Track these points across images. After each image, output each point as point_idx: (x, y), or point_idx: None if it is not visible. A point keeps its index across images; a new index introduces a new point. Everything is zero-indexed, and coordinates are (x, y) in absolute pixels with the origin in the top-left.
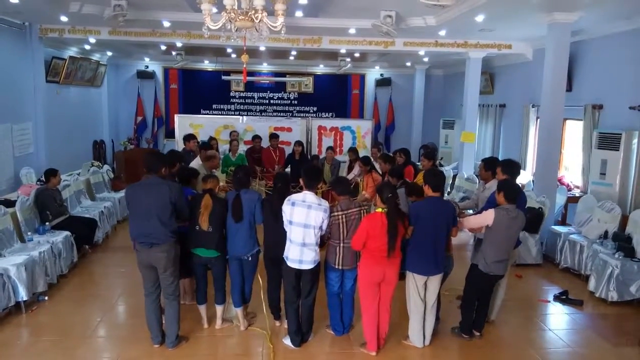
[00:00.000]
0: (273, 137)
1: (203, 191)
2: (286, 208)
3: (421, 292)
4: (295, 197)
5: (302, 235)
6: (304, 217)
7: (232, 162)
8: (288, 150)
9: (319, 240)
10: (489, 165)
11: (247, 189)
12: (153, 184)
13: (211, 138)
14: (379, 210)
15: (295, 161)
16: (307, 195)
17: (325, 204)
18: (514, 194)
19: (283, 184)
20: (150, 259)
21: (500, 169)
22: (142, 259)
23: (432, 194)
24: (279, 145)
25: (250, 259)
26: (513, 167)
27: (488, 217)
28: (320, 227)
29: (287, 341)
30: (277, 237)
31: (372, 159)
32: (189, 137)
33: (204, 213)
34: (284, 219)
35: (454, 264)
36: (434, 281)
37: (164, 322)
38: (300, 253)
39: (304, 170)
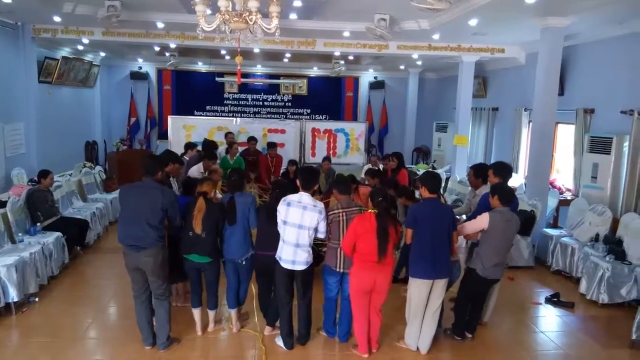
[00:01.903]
0: (271, 146)
1: (197, 194)
2: (281, 208)
3: (424, 298)
4: (290, 197)
5: (295, 235)
6: (298, 217)
7: (230, 165)
8: (285, 153)
9: (312, 242)
10: (479, 172)
11: (241, 192)
12: (147, 187)
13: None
14: (370, 211)
15: (289, 180)
16: (303, 197)
17: (321, 205)
18: (508, 197)
19: (281, 190)
20: (137, 262)
21: (492, 171)
22: (130, 262)
23: (429, 195)
24: (277, 154)
25: (244, 263)
26: (504, 169)
27: (483, 221)
28: (316, 229)
29: (280, 342)
30: (272, 242)
31: (372, 166)
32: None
33: (197, 216)
34: (278, 219)
35: (460, 270)
36: (439, 287)
37: (155, 323)
38: (293, 254)
39: (301, 170)
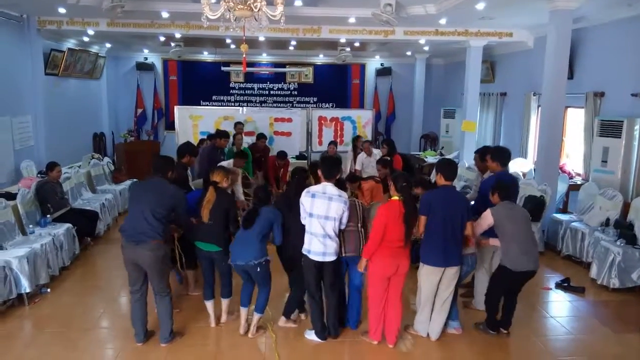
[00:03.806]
0: (281, 157)
1: (209, 183)
2: (306, 200)
3: (434, 285)
4: (314, 189)
5: (322, 227)
6: (324, 209)
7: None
8: (291, 142)
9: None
10: (484, 155)
11: (268, 206)
12: (158, 183)
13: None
14: (395, 198)
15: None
16: (327, 187)
17: (345, 195)
18: (508, 194)
19: (300, 177)
20: (135, 257)
21: (489, 156)
22: (127, 256)
23: (445, 182)
24: (287, 159)
25: (259, 269)
26: (502, 153)
27: (487, 219)
28: (340, 219)
29: (312, 336)
30: (294, 232)
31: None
32: (220, 135)
33: (205, 206)
34: (302, 211)
35: (476, 263)
36: (449, 275)
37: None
38: (323, 246)
39: (322, 159)
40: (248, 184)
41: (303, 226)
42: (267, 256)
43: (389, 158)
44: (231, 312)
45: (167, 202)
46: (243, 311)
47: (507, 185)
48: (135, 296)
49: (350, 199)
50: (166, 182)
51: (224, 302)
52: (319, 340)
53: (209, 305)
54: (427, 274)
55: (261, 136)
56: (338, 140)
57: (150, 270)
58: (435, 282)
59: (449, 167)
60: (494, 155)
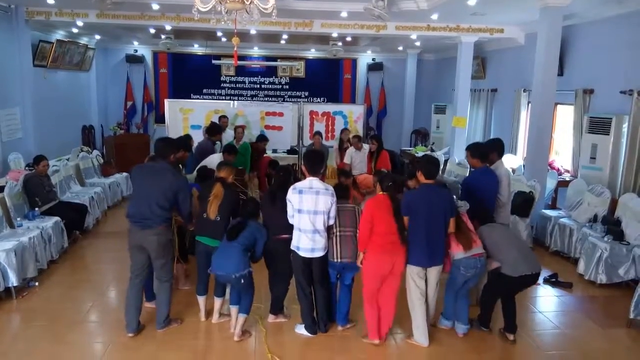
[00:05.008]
0: (273, 166)
1: (215, 179)
2: (294, 197)
3: (420, 285)
4: (300, 185)
5: (312, 222)
6: (312, 204)
7: (235, 152)
8: (283, 136)
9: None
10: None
11: (255, 221)
12: (159, 168)
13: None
14: (381, 194)
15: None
16: (314, 182)
17: (331, 188)
18: (487, 219)
19: (285, 175)
20: (141, 241)
21: (469, 153)
22: (133, 240)
23: (426, 181)
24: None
25: (243, 281)
26: (480, 149)
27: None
28: (329, 214)
29: (302, 330)
30: (278, 226)
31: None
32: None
33: (213, 202)
34: (289, 209)
35: (484, 266)
36: (433, 273)
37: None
38: (312, 242)
39: (305, 155)
40: (242, 178)
41: (284, 220)
42: (249, 268)
43: (385, 170)
44: (223, 313)
45: (170, 189)
46: (233, 310)
47: (486, 213)
48: (134, 282)
49: (349, 206)
50: (168, 168)
51: (217, 302)
52: (309, 334)
53: (201, 300)
54: (412, 274)
55: (262, 138)
56: (329, 134)
57: (154, 254)
58: (421, 282)
59: (429, 165)
60: (474, 152)
